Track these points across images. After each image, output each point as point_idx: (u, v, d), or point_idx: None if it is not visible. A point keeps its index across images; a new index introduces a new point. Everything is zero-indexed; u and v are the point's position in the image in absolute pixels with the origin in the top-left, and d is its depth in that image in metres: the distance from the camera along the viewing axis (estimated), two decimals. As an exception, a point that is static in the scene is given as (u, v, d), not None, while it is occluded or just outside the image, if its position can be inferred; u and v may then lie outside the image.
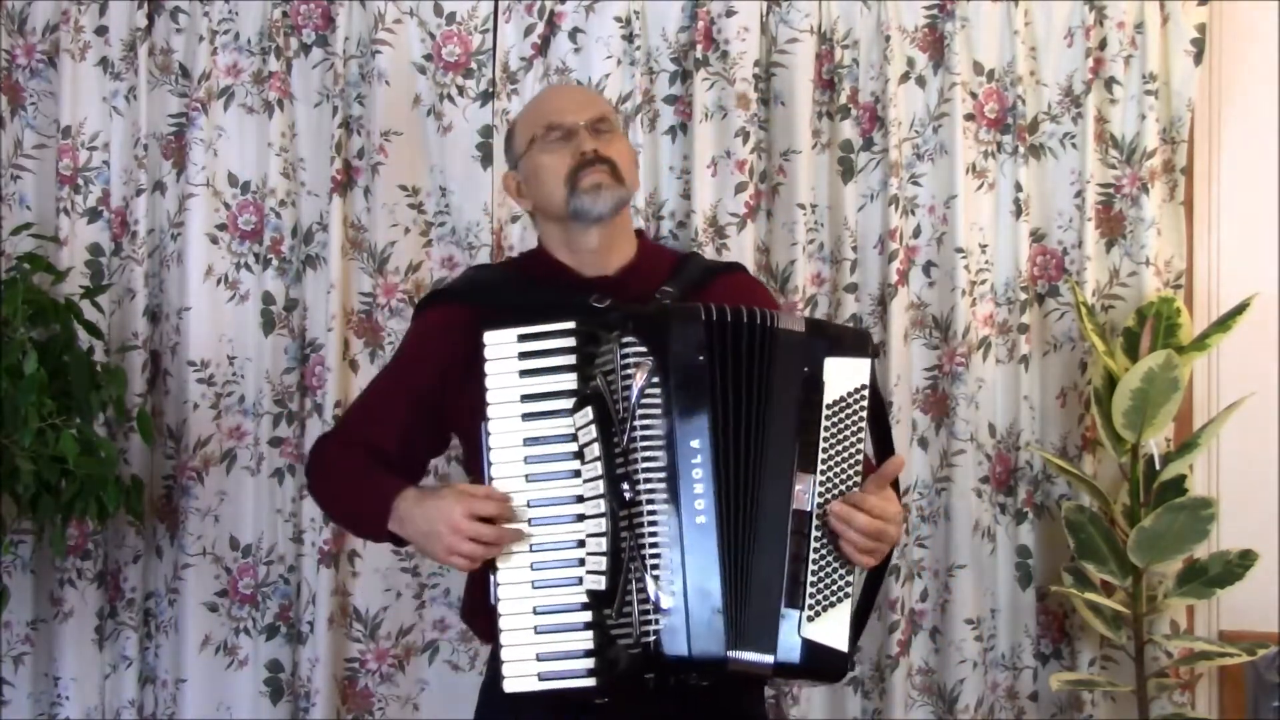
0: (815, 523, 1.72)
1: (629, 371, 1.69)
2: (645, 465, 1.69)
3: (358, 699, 2.79)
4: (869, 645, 2.78)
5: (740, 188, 2.77)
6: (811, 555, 1.72)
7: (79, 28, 2.81)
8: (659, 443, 1.69)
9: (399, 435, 1.94)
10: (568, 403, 1.73)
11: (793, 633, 1.70)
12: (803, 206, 2.78)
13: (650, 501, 1.68)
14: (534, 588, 1.73)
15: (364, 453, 1.92)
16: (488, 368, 1.75)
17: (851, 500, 1.74)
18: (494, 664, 1.84)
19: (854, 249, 2.80)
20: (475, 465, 1.82)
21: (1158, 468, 2.64)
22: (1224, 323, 2.66)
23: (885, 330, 2.77)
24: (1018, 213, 2.78)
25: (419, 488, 1.84)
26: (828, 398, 1.75)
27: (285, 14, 2.82)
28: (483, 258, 2.79)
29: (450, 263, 2.81)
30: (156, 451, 2.83)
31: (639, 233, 2.03)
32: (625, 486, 1.68)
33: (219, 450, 2.82)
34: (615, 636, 1.68)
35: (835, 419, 1.75)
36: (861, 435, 1.77)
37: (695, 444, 1.69)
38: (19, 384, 2.38)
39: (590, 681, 1.69)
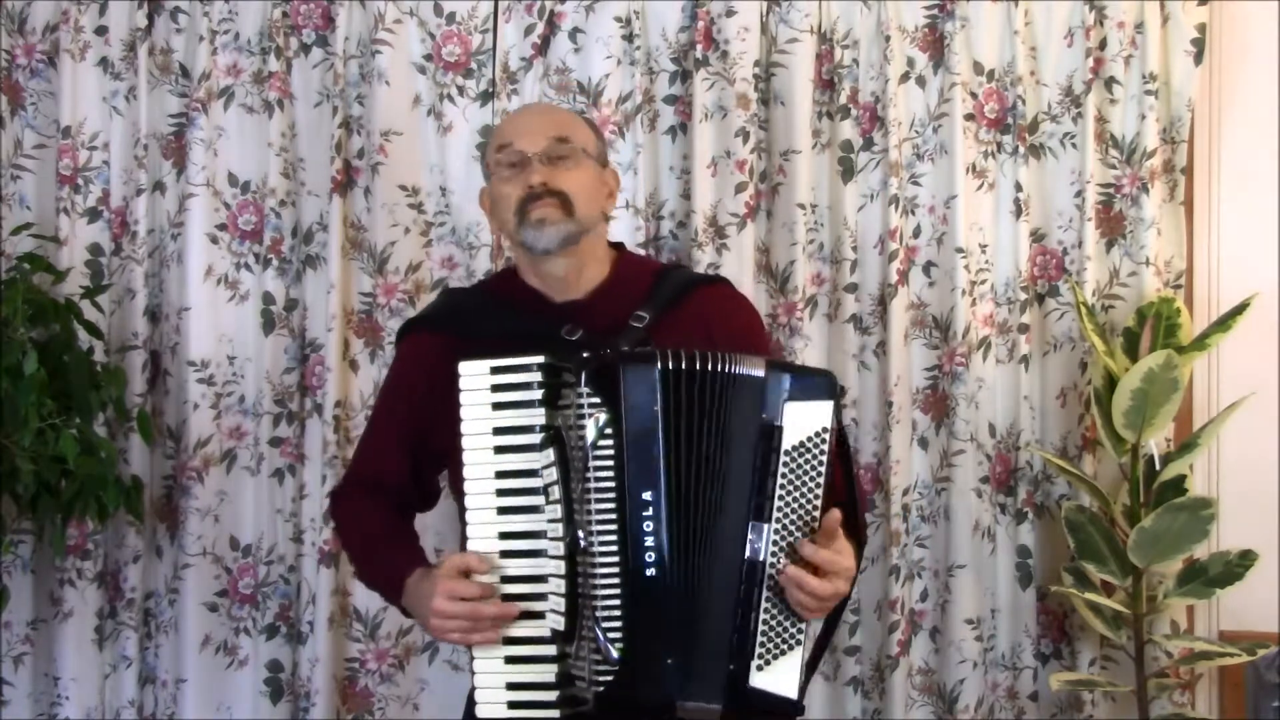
0: (769, 571, 1.72)
1: (583, 420, 1.69)
2: (598, 515, 1.68)
3: (358, 699, 2.79)
4: (869, 645, 2.78)
5: (740, 188, 2.77)
6: (763, 604, 1.72)
7: (79, 28, 2.81)
8: (610, 494, 1.68)
9: (407, 469, 1.98)
10: (536, 438, 1.73)
11: (741, 682, 1.70)
12: (803, 206, 2.78)
13: (603, 553, 1.68)
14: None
15: (379, 504, 1.97)
16: (463, 398, 1.76)
17: (805, 555, 1.72)
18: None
19: (854, 249, 2.80)
20: (459, 489, 1.83)
21: (1158, 468, 2.64)
22: (1224, 323, 2.66)
23: (885, 330, 2.78)
24: (1018, 213, 2.78)
25: (424, 567, 1.85)
26: (786, 443, 1.73)
27: (285, 14, 2.82)
28: (483, 258, 2.79)
29: (450, 263, 2.82)
30: (156, 451, 2.83)
31: (619, 246, 2.02)
32: (580, 534, 1.68)
33: (219, 450, 2.82)
34: (575, 677, 1.70)
35: (793, 464, 1.73)
36: (819, 479, 1.75)
37: (648, 496, 1.69)
38: (19, 384, 2.38)
39: (555, 714, 1.71)
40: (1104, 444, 2.67)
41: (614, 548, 1.68)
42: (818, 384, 1.77)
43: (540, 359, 1.73)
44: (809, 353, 2.77)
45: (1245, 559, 2.63)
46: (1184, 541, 2.60)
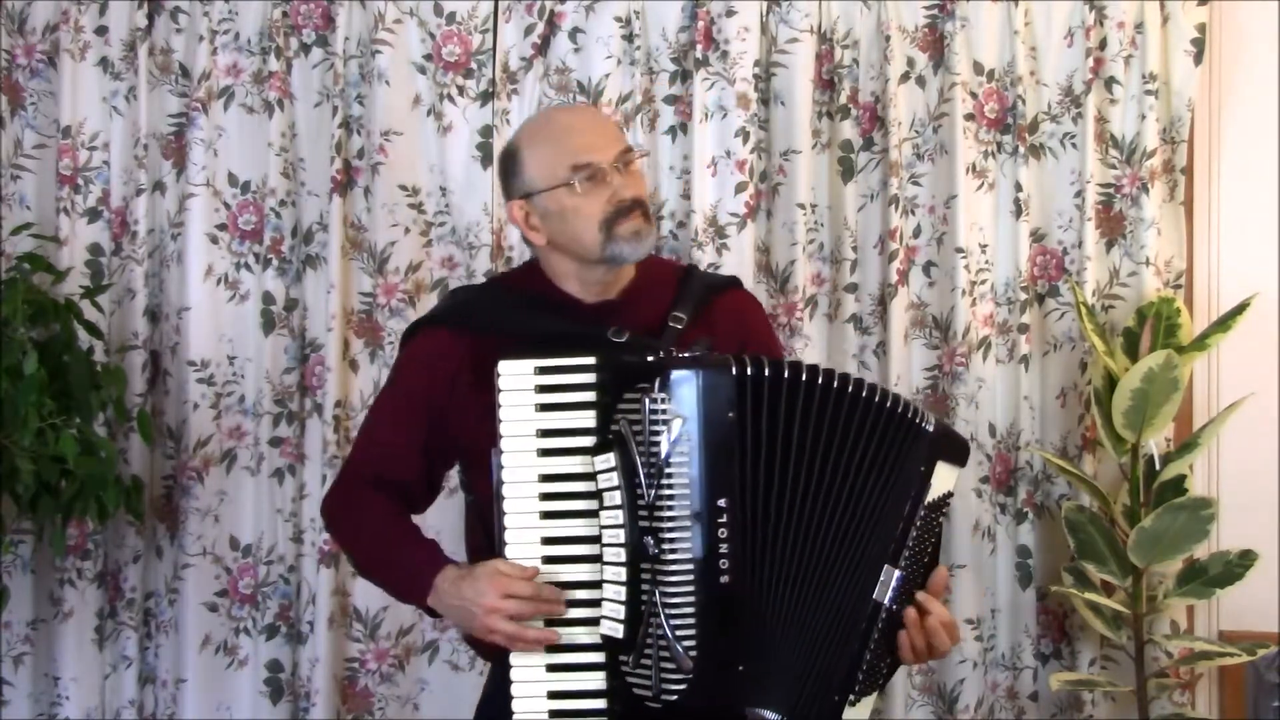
0: (884, 615, 1.73)
1: (658, 426, 1.65)
2: (670, 523, 1.66)
3: (358, 699, 2.79)
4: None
5: (740, 188, 2.77)
6: (870, 644, 1.73)
7: (79, 28, 2.81)
8: (687, 501, 1.66)
9: (415, 464, 1.92)
10: (585, 440, 1.70)
11: (838, 715, 1.72)
12: (803, 206, 2.78)
13: (674, 559, 1.65)
14: (546, 624, 1.71)
15: (386, 500, 1.90)
16: (502, 398, 1.71)
17: (928, 608, 1.75)
18: (495, 685, 1.84)
19: (854, 249, 2.80)
20: (480, 487, 1.80)
21: (1158, 468, 2.64)
22: (1224, 323, 2.65)
23: (885, 330, 2.77)
24: (1018, 213, 2.78)
25: (456, 565, 1.80)
26: (928, 498, 1.75)
27: (285, 14, 2.82)
28: (483, 258, 2.79)
29: (450, 263, 2.82)
30: (156, 451, 2.83)
31: None
32: (650, 540, 1.65)
33: (219, 450, 2.82)
34: (631, 685, 1.68)
35: (925, 520, 1.76)
36: (937, 538, 1.78)
37: (722, 503, 1.66)
38: (19, 384, 2.38)
39: None
40: (1104, 444, 2.67)
41: (688, 556, 1.65)
42: (961, 450, 1.83)
43: (592, 359, 1.70)
44: (809, 353, 2.77)
45: (1245, 559, 2.63)
46: (1184, 541, 2.60)
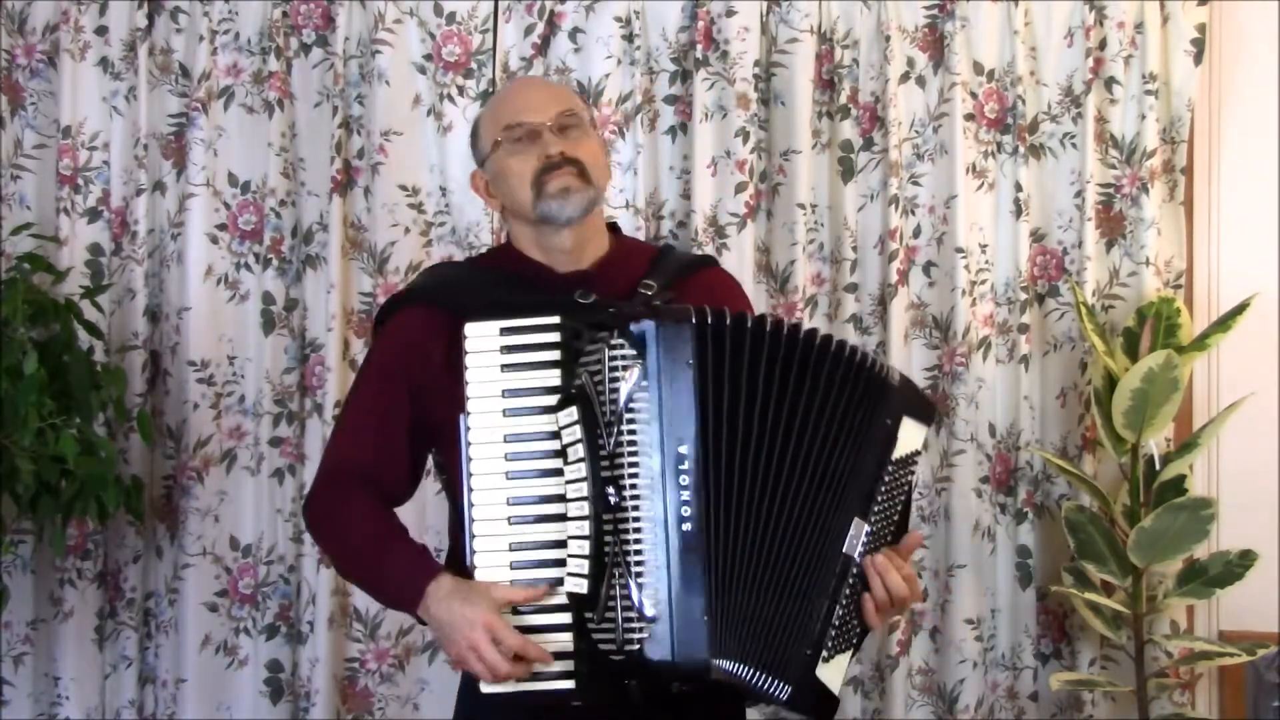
0: (854, 570, 1.72)
1: (616, 373, 1.66)
2: (631, 470, 1.66)
3: (358, 699, 2.79)
4: (869, 645, 2.78)
5: (740, 188, 2.77)
6: (841, 599, 1.72)
7: (79, 28, 2.81)
8: (648, 448, 1.66)
9: (398, 452, 1.88)
10: (550, 399, 1.69)
11: (810, 671, 1.70)
12: (803, 206, 2.78)
13: (636, 508, 1.65)
14: (512, 587, 1.69)
15: (371, 499, 1.86)
16: (468, 360, 1.71)
17: (890, 563, 1.73)
18: None
19: (854, 249, 2.81)
20: (451, 460, 1.78)
21: (1158, 468, 2.64)
22: (1224, 323, 2.66)
23: (885, 330, 2.78)
24: (1018, 213, 2.78)
25: (453, 579, 1.73)
26: (895, 454, 1.75)
27: (285, 14, 2.82)
28: (483, 258, 2.79)
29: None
30: (156, 451, 2.83)
31: (613, 226, 1.99)
32: (610, 491, 1.65)
33: (219, 450, 2.82)
34: (597, 640, 1.66)
35: (894, 476, 1.75)
36: (903, 497, 1.77)
37: (683, 450, 1.66)
38: (19, 384, 2.38)
39: (569, 684, 1.67)
40: (1104, 444, 2.67)
41: (650, 503, 1.65)
42: (928, 408, 1.84)
43: (556, 319, 1.70)
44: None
45: (1245, 559, 2.63)
46: (1184, 541, 2.60)
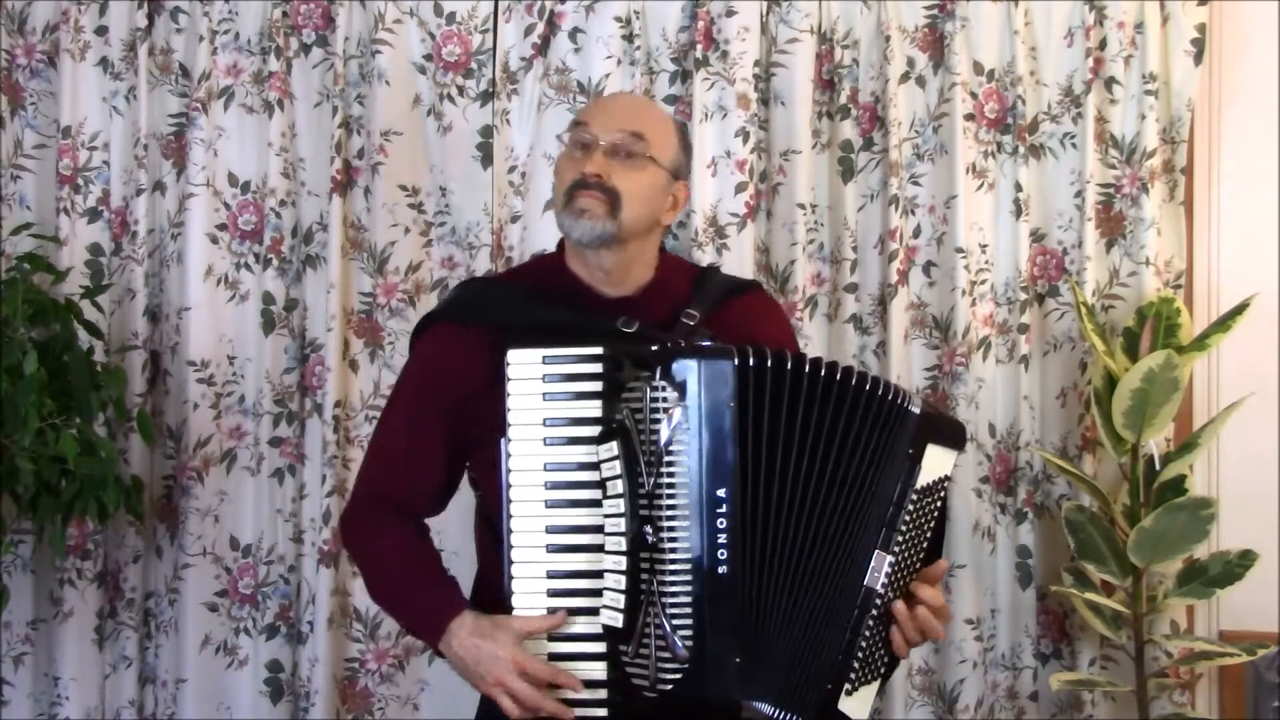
0: (878, 602, 1.72)
1: (657, 414, 1.65)
2: (669, 511, 1.66)
3: (358, 699, 2.79)
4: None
5: (740, 188, 2.77)
6: (865, 632, 1.72)
7: (79, 28, 2.81)
8: (685, 490, 1.65)
9: (440, 475, 1.90)
10: (592, 430, 1.69)
11: (833, 704, 1.71)
12: (803, 206, 2.78)
13: (673, 550, 1.65)
14: (550, 614, 1.71)
15: (406, 524, 1.88)
16: (510, 387, 1.71)
17: (920, 595, 1.74)
18: None
19: (854, 249, 2.80)
20: (488, 484, 1.79)
21: (1158, 468, 2.64)
22: (1224, 323, 2.65)
23: (885, 330, 2.78)
24: (1018, 213, 2.78)
25: (475, 615, 1.76)
26: (919, 482, 1.74)
27: (285, 14, 2.82)
28: (483, 258, 2.79)
29: (450, 263, 2.82)
30: (156, 451, 2.83)
31: (660, 248, 1.96)
32: (648, 529, 1.65)
33: (219, 450, 2.82)
34: (630, 674, 1.67)
35: (918, 505, 1.75)
36: (932, 524, 1.77)
37: (721, 493, 1.66)
38: (19, 384, 2.38)
39: (601, 712, 1.70)
40: (1104, 444, 2.67)
41: (687, 544, 1.65)
42: (957, 432, 1.82)
43: (599, 350, 1.70)
44: (808, 352, 2.76)
45: (1245, 559, 2.63)
46: (1184, 541, 2.60)
